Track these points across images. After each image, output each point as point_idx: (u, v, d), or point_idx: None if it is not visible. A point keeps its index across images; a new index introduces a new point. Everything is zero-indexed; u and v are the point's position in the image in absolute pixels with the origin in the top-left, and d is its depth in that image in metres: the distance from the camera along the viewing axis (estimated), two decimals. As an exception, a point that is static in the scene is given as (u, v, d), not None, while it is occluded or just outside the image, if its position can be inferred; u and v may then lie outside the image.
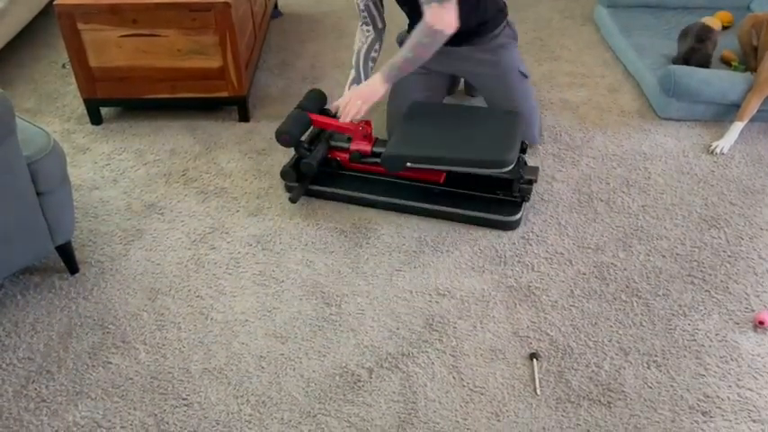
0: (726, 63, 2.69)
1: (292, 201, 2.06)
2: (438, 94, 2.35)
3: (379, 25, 2.22)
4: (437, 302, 1.78)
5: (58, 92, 2.74)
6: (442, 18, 1.88)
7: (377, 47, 2.23)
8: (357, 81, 2.20)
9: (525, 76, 2.26)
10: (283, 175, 2.11)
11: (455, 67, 2.27)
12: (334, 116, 2.13)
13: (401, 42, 2.38)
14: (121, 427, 1.48)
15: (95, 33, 2.30)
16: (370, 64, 2.23)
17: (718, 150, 2.33)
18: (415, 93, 2.25)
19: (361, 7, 2.16)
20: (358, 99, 2.01)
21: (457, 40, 2.03)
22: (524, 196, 2.01)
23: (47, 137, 1.66)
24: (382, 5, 2.22)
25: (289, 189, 2.16)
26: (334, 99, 2.48)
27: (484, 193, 2.05)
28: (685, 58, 2.56)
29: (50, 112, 2.61)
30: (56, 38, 3.13)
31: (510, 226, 2.00)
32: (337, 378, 1.59)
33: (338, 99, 2.13)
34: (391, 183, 2.12)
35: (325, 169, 2.17)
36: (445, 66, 2.24)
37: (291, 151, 2.33)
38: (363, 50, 2.20)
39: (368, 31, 2.20)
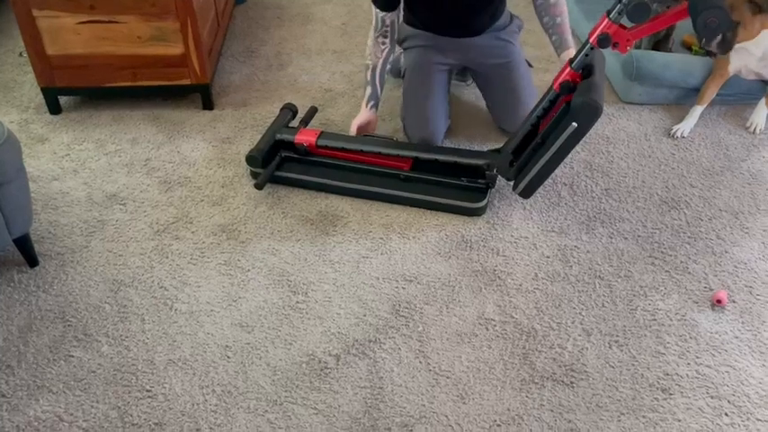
0: (686, 47, 2.73)
1: (258, 187, 2.04)
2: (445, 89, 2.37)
3: (395, 38, 2.20)
4: (404, 288, 1.79)
5: (15, 81, 2.66)
6: None
7: (391, 59, 2.24)
8: (374, 97, 2.20)
9: (530, 66, 2.38)
10: (249, 160, 2.09)
11: (470, 59, 2.28)
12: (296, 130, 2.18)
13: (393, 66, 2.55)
14: (84, 421, 1.46)
15: (51, 20, 2.24)
16: (385, 77, 2.23)
17: (678, 134, 2.37)
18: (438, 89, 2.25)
19: (387, 22, 2.12)
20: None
21: (476, 30, 2.19)
22: (490, 183, 2.03)
23: (0, 127, 1.62)
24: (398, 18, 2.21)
25: (254, 175, 2.14)
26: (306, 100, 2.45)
27: (450, 180, 2.05)
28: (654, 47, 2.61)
29: (8, 102, 2.54)
30: (13, 25, 3.04)
31: (476, 212, 2.01)
32: (304, 366, 1.59)
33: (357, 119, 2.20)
34: (358, 169, 2.12)
35: (292, 155, 2.16)
36: (462, 58, 2.27)
37: (256, 139, 2.30)
38: (380, 65, 2.18)
39: (383, 44, 2.17)
